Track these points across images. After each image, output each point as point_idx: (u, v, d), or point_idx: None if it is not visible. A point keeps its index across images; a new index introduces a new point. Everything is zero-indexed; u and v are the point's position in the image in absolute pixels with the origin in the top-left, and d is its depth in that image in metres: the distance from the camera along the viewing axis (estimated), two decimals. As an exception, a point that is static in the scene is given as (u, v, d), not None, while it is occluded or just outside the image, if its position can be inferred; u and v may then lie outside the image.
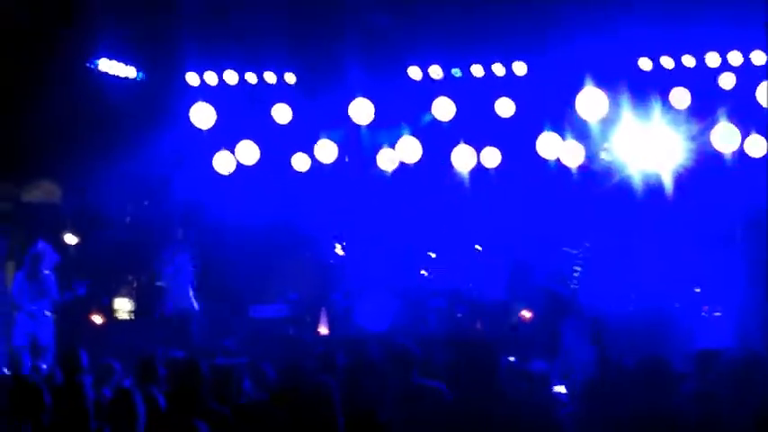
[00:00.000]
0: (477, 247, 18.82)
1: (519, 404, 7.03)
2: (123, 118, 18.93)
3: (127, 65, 19.64)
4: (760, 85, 17.39)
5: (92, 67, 19.04)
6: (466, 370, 6.35)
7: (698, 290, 17.46)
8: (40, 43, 17.05)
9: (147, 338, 16.89)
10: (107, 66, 19.30)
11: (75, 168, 18.66)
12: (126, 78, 19.71)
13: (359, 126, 19.10)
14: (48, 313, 16.55)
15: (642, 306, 17.09)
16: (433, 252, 18.53)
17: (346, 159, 20.14)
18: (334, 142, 19.79)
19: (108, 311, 19.00)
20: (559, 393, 12.24)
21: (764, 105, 17.37)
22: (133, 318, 20.08)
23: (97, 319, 18.32)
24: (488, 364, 6.33)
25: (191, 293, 18.20)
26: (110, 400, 8.30)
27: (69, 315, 17.53)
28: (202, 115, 19.84)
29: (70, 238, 19.32)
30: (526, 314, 18.87)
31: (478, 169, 19.75)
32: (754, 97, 17.54)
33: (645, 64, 18.42)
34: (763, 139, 17.95)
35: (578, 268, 16.24)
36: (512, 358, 12.56)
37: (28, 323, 16.39)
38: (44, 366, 12.83)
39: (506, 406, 6.30)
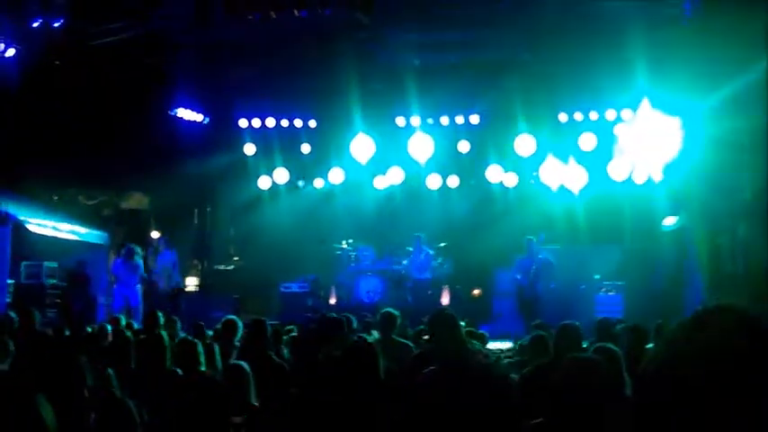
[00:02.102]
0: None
1: (474, 353, 6.96)
2: (193, 149, 18.88)
3: (196, 112, 19.56)
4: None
5: (172, 113, 18.96)
6: (438, 328, 6.31)
7: (597, 276, 17.37)
8: (137, 96, 17.00)
9: (207, 306, 16.90)
10: (183, 113, 19.22)
11: (159, 184, 18.56)
12: (195, 122, 19.62)
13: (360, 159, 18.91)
14: (137, 285, 16.44)
15: (562, 285, 17.02)
16: (411, 247, 18.33)
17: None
18: (343, 169, 19.72)
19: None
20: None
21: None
22: (197, 290, 19.96)
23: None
24: (451, 324, 6.30)
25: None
26: (177, 347, 8.14)
27: (153, 288, 17.44)
28: (249, 149, 19.81)
29: (154, 234, 19.19)
30: (476, 292, 18.77)
31: (444, 189, 19.72)
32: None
33: (562, 117, 18.39)
34: (646, 172, 17.91)
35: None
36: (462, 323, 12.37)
37: (123, 291, 16.28)
38: (135, 324, 12.62)
39: (467, 355, 6.23)
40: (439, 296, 17.97)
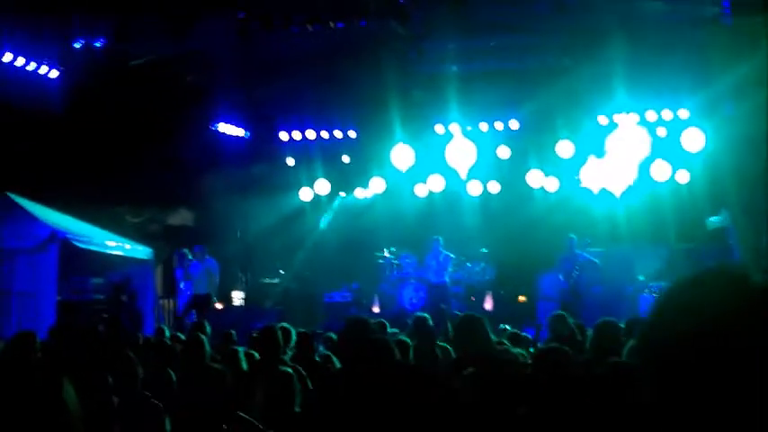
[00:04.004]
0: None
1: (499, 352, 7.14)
2: (235, 164, 19.10)
3: (237, 127, 19.82)
4: (683, 134, 17.24)
5: (214, 128, 19.23)
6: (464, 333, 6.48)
7: (642, 277, 17.29)
8: (180, 114, 17.29)
9: (252, 319, 17.14)
10: (224, 128, 19.50)
11: (203, 199, 18.84)
12: (237, 136, 19.89)
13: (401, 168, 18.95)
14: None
15: (606, 287, 17.02)
16: (452, 253, 18.34)
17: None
18: (383, 178, 19.83)
19: (227, 299, 19.08)
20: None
21: (686, 149, 17.18)
22: (243, 304, 20.15)
23: (219, 305, 18.35)
24: (480, 329, 6.47)
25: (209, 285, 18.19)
26: (223, 357, 8.31)
27: (201, 302, 17.67)
28: (290, 161, 20.09)
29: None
30: (522, 298, 18.77)
31: (485, 195, 19.71)
32: (680, 143, 17.36)
33: (602, 120, 18.29)
34: (687, 172, 17.78)
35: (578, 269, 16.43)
36: (507, 326, 12.55)
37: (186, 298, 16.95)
38: (181, 336, 12.80)
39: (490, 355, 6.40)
40: (482, 302, 18.01)
